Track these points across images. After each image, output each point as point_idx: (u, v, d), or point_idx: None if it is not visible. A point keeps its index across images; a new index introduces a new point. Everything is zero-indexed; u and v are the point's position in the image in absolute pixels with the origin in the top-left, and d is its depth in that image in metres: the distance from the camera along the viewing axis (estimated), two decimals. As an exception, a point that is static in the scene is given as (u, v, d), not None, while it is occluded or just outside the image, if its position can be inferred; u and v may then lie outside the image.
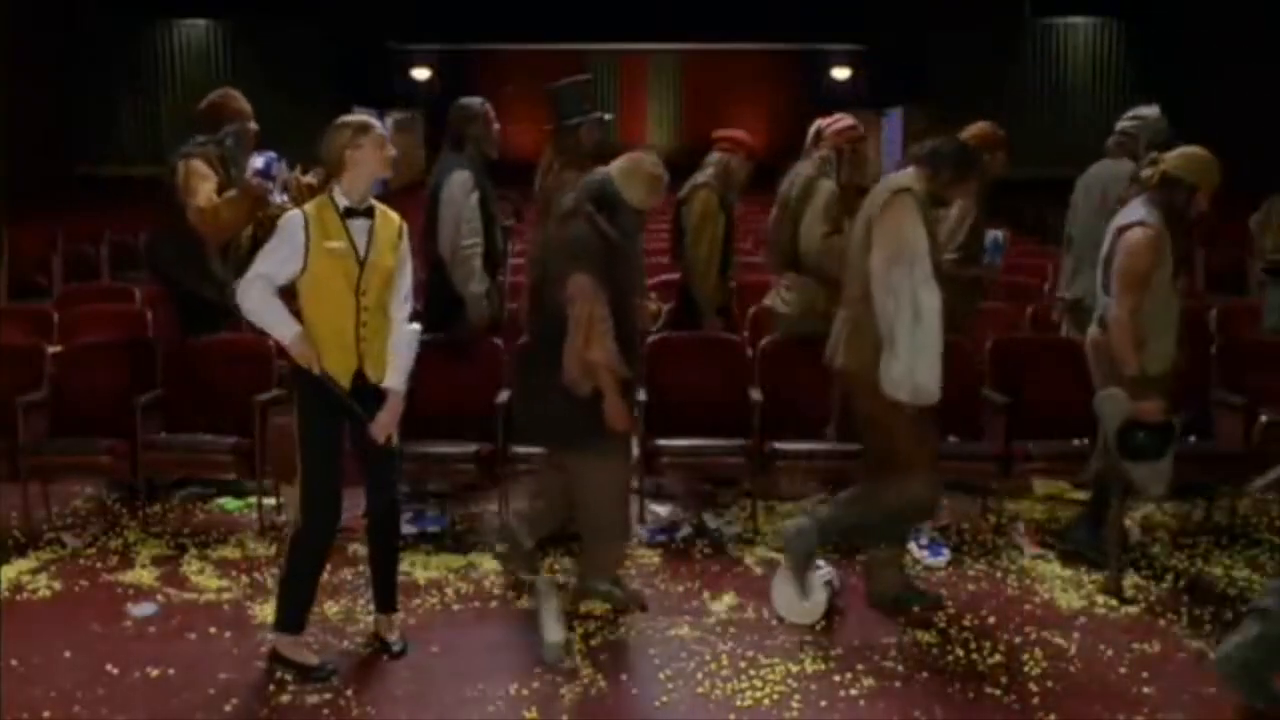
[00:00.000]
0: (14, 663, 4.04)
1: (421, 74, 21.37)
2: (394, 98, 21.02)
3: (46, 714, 3.69)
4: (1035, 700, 3.77)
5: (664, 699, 3.79)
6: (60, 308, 7.37)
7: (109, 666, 4.02)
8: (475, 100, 5.62)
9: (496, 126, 5.60)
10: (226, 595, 4.68)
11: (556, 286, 4.27)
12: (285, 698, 3.79)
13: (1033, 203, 13.73)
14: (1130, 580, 4.79)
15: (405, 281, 4.12)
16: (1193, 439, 5.44)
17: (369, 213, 4.01)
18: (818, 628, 4.32)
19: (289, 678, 3.93)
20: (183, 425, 5.55)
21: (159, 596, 4.68)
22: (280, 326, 3.89)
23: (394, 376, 4.02)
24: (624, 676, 3.94)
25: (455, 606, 4.58)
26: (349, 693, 3.82)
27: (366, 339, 3.97)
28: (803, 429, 5.39)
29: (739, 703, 3.75)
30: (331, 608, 4.51)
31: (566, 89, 5.69)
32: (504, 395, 5.41)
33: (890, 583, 4.52)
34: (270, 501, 5.56)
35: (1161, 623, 4.39)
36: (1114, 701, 3.76)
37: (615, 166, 4.40)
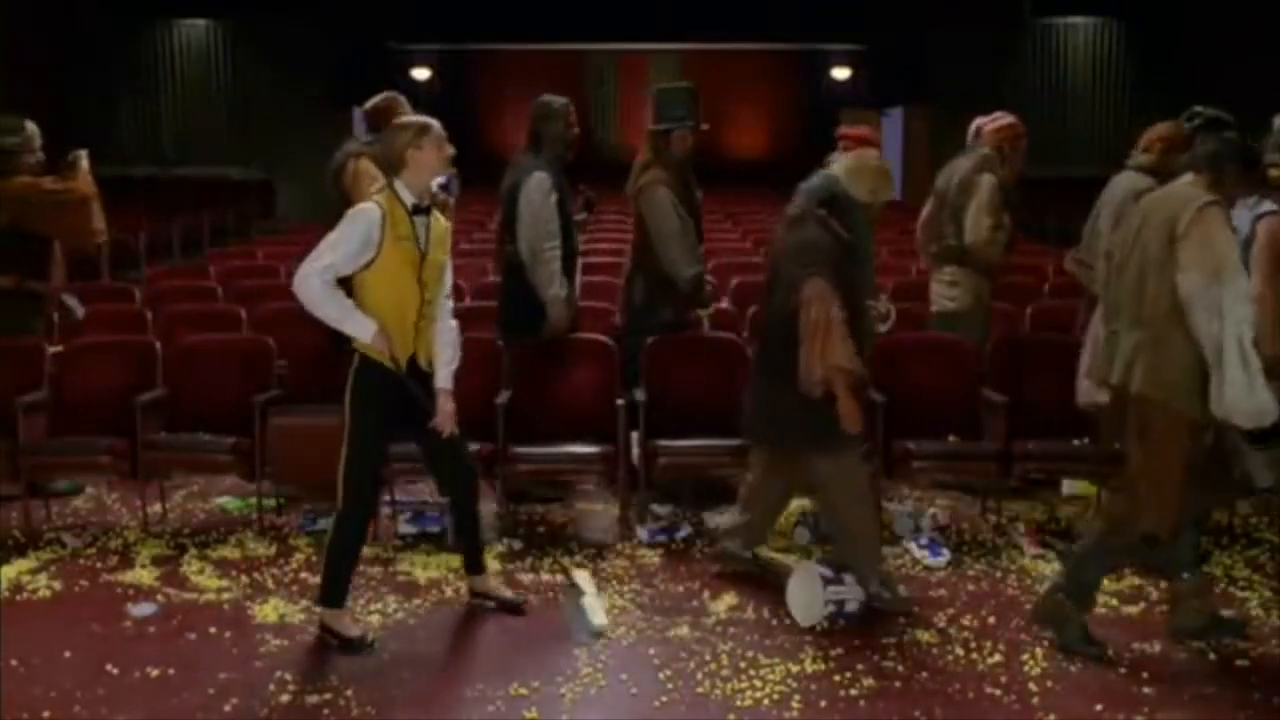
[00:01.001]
0: (14, 663, 4.04)
1: (421, 74, 21.34)
2: (394, 98, 21.01)
3: (46, 714, 3.69)
4: (1035, 700, 3.77)
5: (664, 699, 3.79)
6: (61, 307, 7.36)
7: (109, 666, 4.02)
8: (557, 99, 5.66)
9: (576, 128, 5.63)
10: (226, 595, 4.68)
11: (788, 290, 4.30)
12: (285, 698, 3.79)
13: (1033, 203, 13.71)
14: (1130, 580, 4.80)
15: (450, 276, 4.40)
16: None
17: (427, 210, 4.22)
18: (817, 629, 4.32)
19: (334, 644, 4.16)
20: (183, 425, 5.55)
21: (159, 596, 4.68)
22: (353, 321, 4.08)
23: (445, 375, 4.30)
24: (624, 676, 3.94)
25: (455, 606, 4.58)
26: (349, 693, 3.82)
27: (422, 329, 4.23)
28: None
29: (739, 703, 3.75)
30: (331, 608, 4.51)
31: (669, 93, 5.78)
32: (504, 395, 5.42)
33: (1195, 615, 4.25)
34: (270, 502, 5.57)
35: (1161, 623, 4.38)
36: (1114, 701, 3.76)
37: (840, 165, 4.46)
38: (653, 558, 5.09)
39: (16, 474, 5.41)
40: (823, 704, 3.75)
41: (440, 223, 4.29)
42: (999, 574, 4.91)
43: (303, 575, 4.88)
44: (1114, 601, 4.58)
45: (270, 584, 4.79)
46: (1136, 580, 4.81)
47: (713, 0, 18.96)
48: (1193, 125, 6.14)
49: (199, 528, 5.51)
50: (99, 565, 5.03)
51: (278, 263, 9.39)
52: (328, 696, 3.79)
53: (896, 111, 19.85)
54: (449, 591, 4.70)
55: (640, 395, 5.45)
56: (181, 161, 18.15)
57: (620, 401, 5.40)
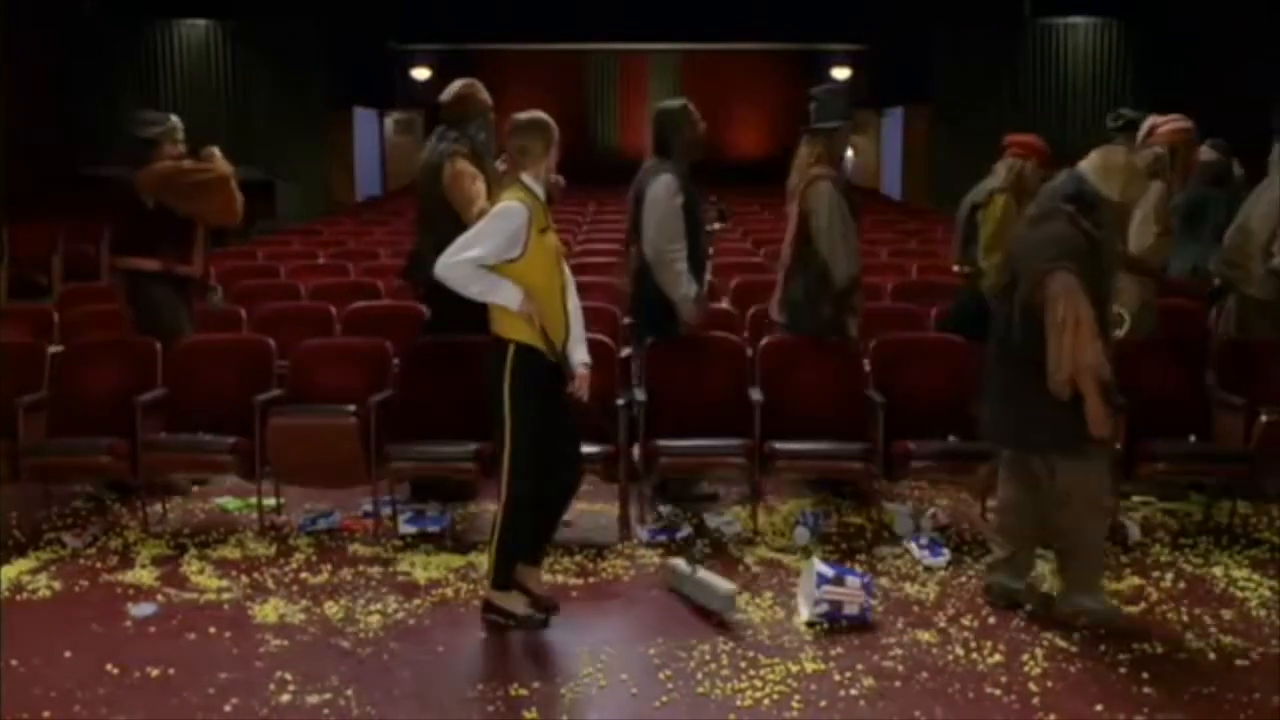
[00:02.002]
0: (14, 663, 4.04)
1: (421, 74, 21.37)
2: (394, 98, 21.03)
3: (46, 714, 3.69)
4: (1035, 700, 3.77)
5: (664, 699, 3.79)
6: (60, 308, 7.37)
7: (109, 666, 4.02)
8: (673, 102, 5.72)
9: (702, 127, 5.65)
10: (226, 595, 4.68)
11: (1031, 286, 4.23)
12: (285, 698, 3.79)
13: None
14: (1130, 580, 4.80)
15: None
16: (1193, 439, 5.45)
17: (550, 202, 4.41)
18: (816, 628, 4.32)
19: (504, 622, 4.32)
20: (183, 425, 5.54)
21: (159, 596, 4.68)
22: (503, 290, 4.19)
23: (581, 354, 4.42)
24: (624, 676, 3.94)
25: (455, 606, 4.58)
26: (349, 693, 3.82)
27: (565, 314, 4.39)
28: (803, 429, 5.39)
29: (739, 703, 3.75)
30: (331, 608, 4.52)
31: (827, 94, 5.79)
32: (638, 393, 5.40)
33: None
34: (270, 502, 5.57)
35: (1161, 623, 4.39)
36: (1114, 701, 3.76)
37: (1089, 163, 4.39)
38: (653, 558, 5.09)
39: (16, 474, 5.39)
40: (823, 704, 3.75)
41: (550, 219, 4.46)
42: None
43: (303, 575, 4.88)
44: (1114, 602, 4.57)
45: (270, 584, 4.79)
46: (1137, 580, 4.81)
47: (713, 0, 18.96)
48: (1116, 126, 6.24)
49: (199, 528, 5.51)
50: (99, 565, 5.03)
51: (278, 263, 9.39)
52: (328, 696, 3.79)
53: (896, 111, 19.86)
54: (449, 591, 4.70)
55: (640, 395, 5.46)
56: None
57: (620, 401, 5.40)
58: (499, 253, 4.18)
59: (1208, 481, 5.65)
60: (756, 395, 5.41)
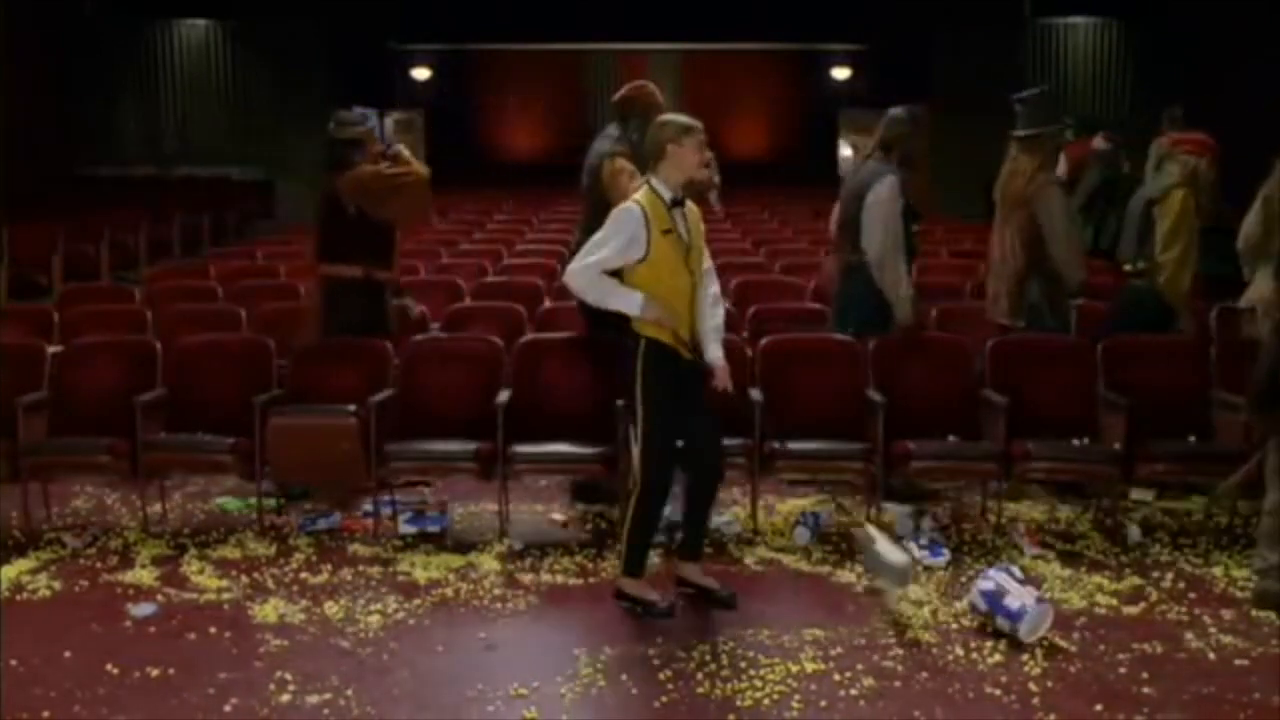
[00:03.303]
0: (14, 663, 4.04)
1: (421, 74, 21.37)
2: (394, 98, 21.02)
3: (46, 714, 3.69)
4: (1035, 700, 3.77)
5: (664, 699, 3.79)
6: (60, 308, 7.37)
7: (109, 666, 4.02)
8: (902, 110, 5.83)
9: (925, 128, 5.85)
10: (226, 595, 4.68)
11: None
12: (285, 698, 3.79)
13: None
14: (1130, 580, 4.80)
15: (709, 261, 4.60)
16: (1193, 439, 5.45)
17: (682, 202, 4.43)
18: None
19: (634, 610, 4.43)
20: (183, 425, 5.54)
21: (159, 596, 4.68)
22: (625, 297, 4.33)
23: (716, 351, 4.50)
24: (624, 676, 3.94)
25: (455, 606, 4.58)
26: (349, 693, 3.82)
27: (693, 314, 4.45)
28: (803, 429, 5.39)
29: (739, 703, 3.75)
30: (331, 608, 4.52)
31: (1034, 99, 5.89)
32: (504, 395, 5.42)
33: None
34: (270, 502, 5.56)
35: (1161, 623, 4.39)
36: (1114, 701, 3.76)
37: None
38: (653, 558, 5.08)
39: (16, 474, 5.40)
40: (823, 704, 3.75)
41: (695, 213, 4.52)
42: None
43: (303, 575, 4.88)
44: (1114, 601, 4.58)
45: (270, 584, 4.79)
46: (1138, 580, 4.81)
47: (713, 0, 18.95)
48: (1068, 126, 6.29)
49: (199, 528, 5.50)
50: (99, 565, 5.03)
51: (278, 263, 9.39)
52: (328, 696, 3.79)
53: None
54: (449, 591, 4.70)
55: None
56: (181, 161, 18.15)
57: (620, 402, 5.39)
58: (620, 255, 4.31)
59: (1208, 482, 5.66)
60: (757, 395, 5.41)
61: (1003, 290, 5.95)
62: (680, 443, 4.46)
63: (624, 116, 5.58)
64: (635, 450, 4.43)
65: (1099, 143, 8.26)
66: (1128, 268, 6.24)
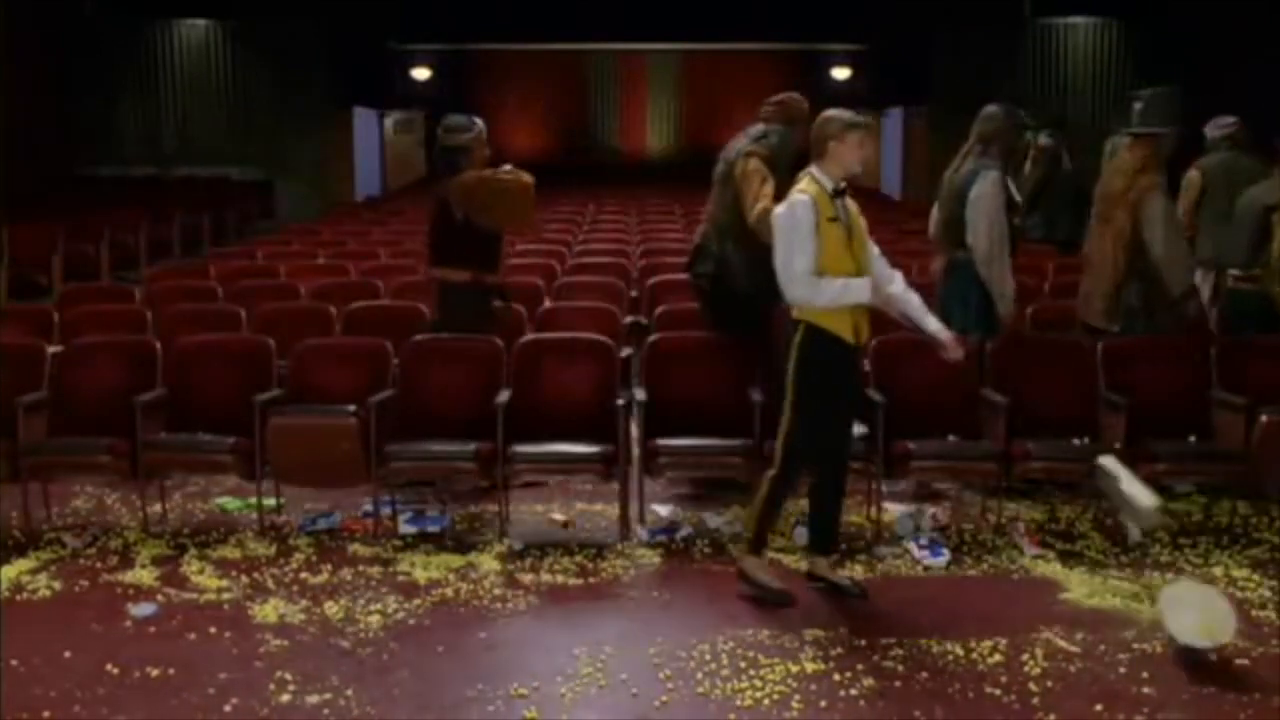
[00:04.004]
0: (14, 663, 4.04)
1: (421, 74, 21.36)
2: (394, 98, 21.02)
3: (46, 714, 3.69)
4: (1035, 700, 3.77)
5: (664, 699, 3.79)
6: (60, 308, 7.37)
7: (109, 666, 4.02)
8: (998, 107, 5.88)
9: (1025, 127, 5.91)
10: (226, 595, 4.68)
11: None
12: (285, 697, 3.79)
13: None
14: (1130, 580, 4.79)
15: (876, 248, 4.70)
16: (1193, 439, 5.45)
17: (843, 193, 4.55)
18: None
19: (755, 593, 4.56)
20: (183, 425, 5.54)
21: (159, 596, 4.68)
22: (849, 290, 4.43)
23: (934, 322, 4.68)
24: (624, 676, 3.94)
25: (455, 606, 4.58)
26: (349, 693, 3.82)
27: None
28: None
29: (739, 703, 3.75)
30: (331, 608, 4.52)
31: (1155, 97, 5.92)
32: (504, 395, 5.42)
33: None
34: (270, 502, 5.56)
35: (1162, 623, 4.38)
36: (1114, 701, 3.76)
37: None
38: (653, 558, 5.09)
39: (16, 474, 5.40)
40: (823, 704, 3.75)
41: (853, 204, 4.60)
42: (999, 574, 4.91)
43: (303, 575, 4.88)
44: (1115, 601, 4.58)
45: (270, 584, 4.79)
46: (1138, 580, 4.80)
47: (713, 0, 18.95)
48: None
49: (199, 528, 5.51)
50: (99, 565, 5.03)
51: (278, 263, 9.38)
52: (328, 696, 3.79)
53: (896, 111, 19.85)
54: (449, 591, 4.70)
55: (640, 395, 5.46)
56: (181, 161, 18.15)
57: (620, 401, 5.40)
58: (809, 246, 4.40)
59: (1208, 482, 5.66)
60: (756, 395, 5.41)
61: (1097, 292, 5.91)
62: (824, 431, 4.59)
63: (768, 119, 5.67)
64: (780, 434, 4.51)
65: (1043, 139, 8.75)
66: (1236, 273, 6.23)
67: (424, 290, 6.59)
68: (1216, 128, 7.35)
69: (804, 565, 4.98)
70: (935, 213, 6.10)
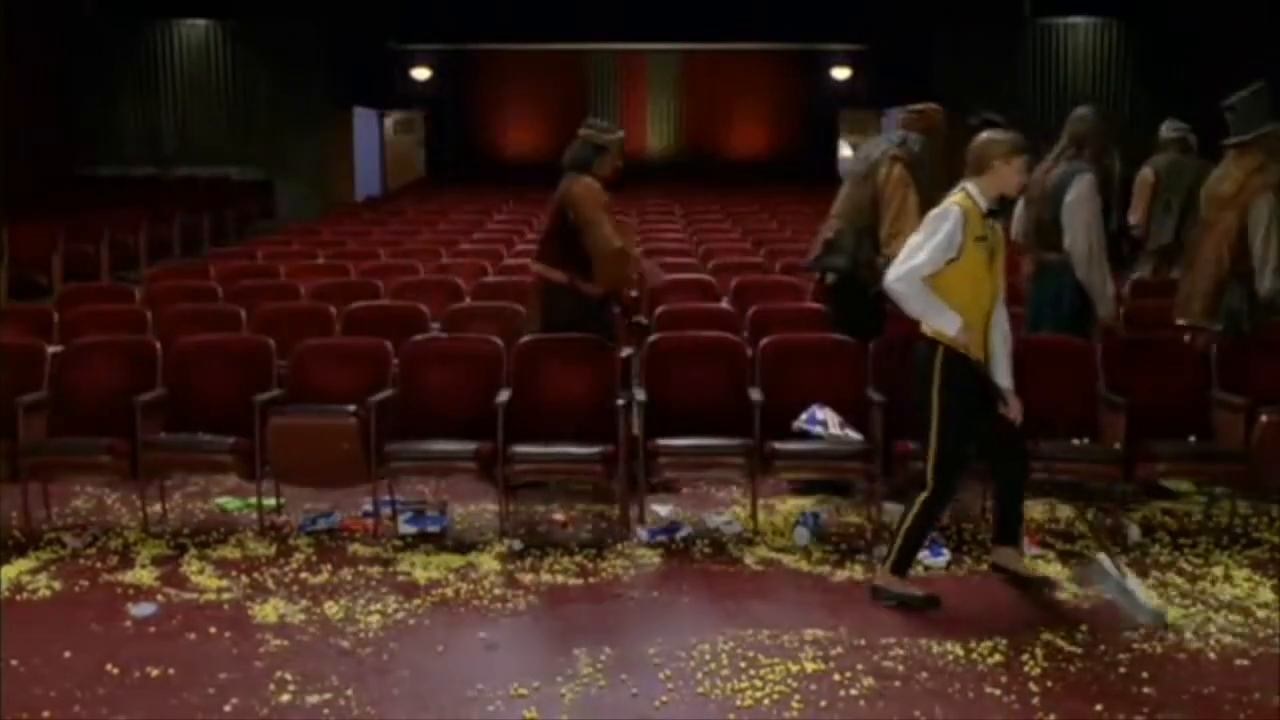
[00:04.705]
0: (14, 663, 4.04)
1: (421, 74, 21.37)
2: (394, 98, 21.03)
3: (46, 714, 3.69)
4: (1035, 700, 3.77)
5: (664, 699, 3.79)
6: (60, 308, 7.37)
7: (109, 666, 4.02)
8: (1087, 108, 5.91)
9: (1115, 129, 5.98)
10: (226, 595, 4.68)
11: None
12: (285, 697, 3.79)
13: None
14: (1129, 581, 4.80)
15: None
16: (1193, 439, 5.45)
17: (995, 215, 4.54)
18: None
19: (891, 603, 4.51)
20: (183, 425, 5.54)
21: (159, 596, 4.68)
22: (944, 316, 4.41)
23: (1008, 379, 4.59)
24: (624, 676, 3.94)
25: (455, 606, 4.58)
26: (349, 693, 3.82)
27: (989, 324, 4.55)
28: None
29: (739, 703, 3.75)
30: (331, 608, 4.52)
31: (1245, 101, 5.81)
32: (504, 395, 5.42)
33: None
34: (270, 502, 5.56)
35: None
36: (1114, 701, 3.76)
37: None
38: (653, 558, 5.10)
39: (16, 474, 5.40)
40: (823, 704, 3.75)
41: (998, 229, 4.58)
42: (999, 574, 4.90)
43: (303, 575, 4.88)
44: (1115, 601, 4.58)
45: (270, 584, 4.79)
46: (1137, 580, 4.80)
47: (713, 0, 18.95)
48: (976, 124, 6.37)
49: (199, 528, 5.51)
50: (99, 565, 5.03)
51: (278, 263, 9.39)
52: (328, 696, 3.79)
53: (896, 111, 19.84)
54: (449, 591, 4.70)
55: (640, 395, 5.46)
56: (181, 161, 18.15)
57: (620, 401, 5.40)
58: (940, 255, 4.38)
59: (1208, 482, 5.66)
60: (756, 395, 5.41)
61: (1198, 292, 5.87)
62: (971, 447, 4.59)
63: (907, 126, 5.73)
64: (929, 455, 4.49)
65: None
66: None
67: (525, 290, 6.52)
68: (1170, 129, 7.51)
69: (804, 565, 4.99)
70: (1020, 215, 6.11)
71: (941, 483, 4.51)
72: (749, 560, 5.07)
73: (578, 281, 5.71)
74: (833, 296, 5.91)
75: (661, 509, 5.64)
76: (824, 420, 5.35)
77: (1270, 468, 5.26)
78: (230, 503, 5.85)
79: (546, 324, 5.79)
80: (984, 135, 4.55)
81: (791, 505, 5.71)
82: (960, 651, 4.13)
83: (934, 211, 4.52)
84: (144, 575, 4.90)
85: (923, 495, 4.52)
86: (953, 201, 4.48)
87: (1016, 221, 6.18)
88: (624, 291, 6.16)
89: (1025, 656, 4.08)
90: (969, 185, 4.51)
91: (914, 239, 4.50)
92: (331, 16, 17.82)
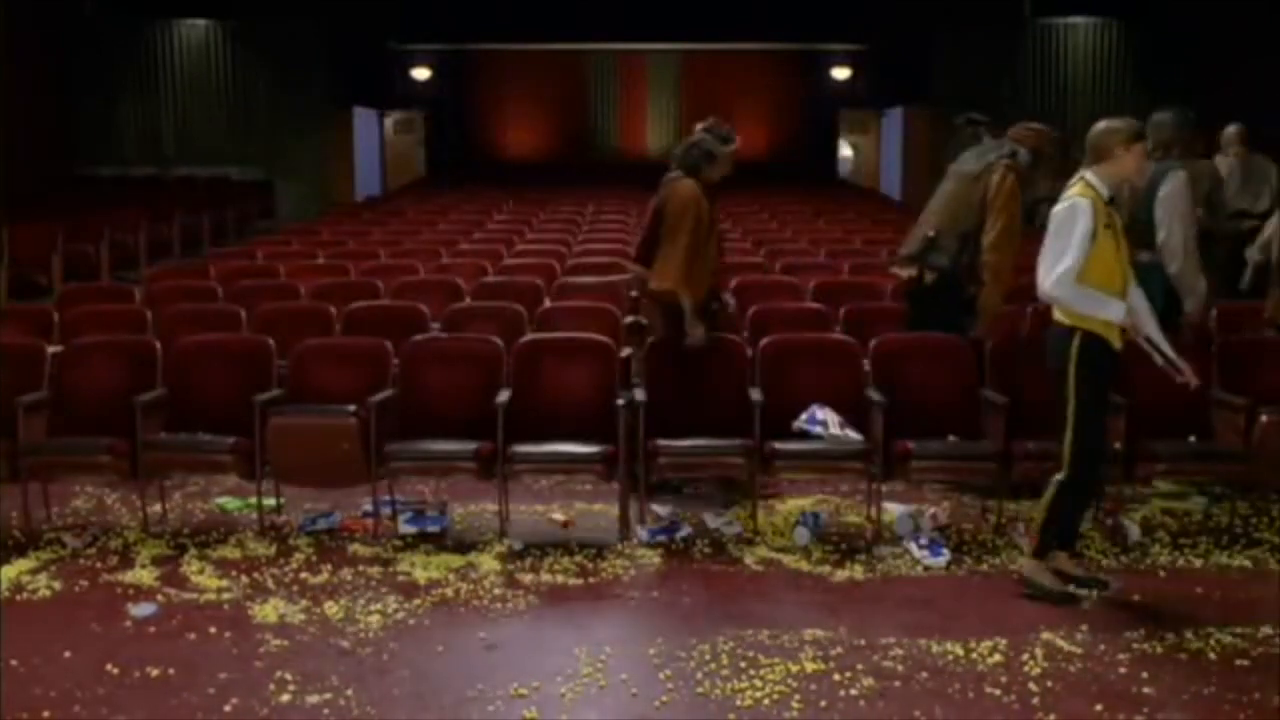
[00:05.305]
0: (14, 663, 4.04)
1: (421, 74, 21.38)
2: (394, 98, 21.03)
3: (46, 714, 3.69)
4: (1035, 700, 3.77)
5: (664, 699, 3.79)
6: (60, 308, 7.37)
7: (109, 666, 4.02)
8: (1167, 112, 5.91)
9: (1200, 130, 5.98)
10: (226, 595, 4.68)
11: None
12: (285, 697, 3.79)
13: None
14: (1130, 580, 4.80)
15: None
16: (1193, 439, 5.45)
17: (1114, 201, 4.60)
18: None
19: (1038, 596, 4.55)
20: (183, 425, 5.54)
21: (159, 596, 4.68)
22: (1108, 306, 4.46)
23: (1167, 345, 4.71)
24: (624, 676, 3.94)
25: (455, 606, 4.58)
26: (349, 693, 3.82)
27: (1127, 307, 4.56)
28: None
29: (739, 703, 3.75)
30: (331, 608, 4.52)
31: None
32: (504, 395, 5.42)
33: None
34: (270, 502, 5.56)
35: (1161, 623, 4.39)
36: (1114, 701, 3.76)
37: None
38: (653, 558, 5.10)
39: (16, 474, 5.40)
40: (823, 704, 3.75)
41: (1117, 216, 4.61)
42: (999, 574, 4.91)
43: (303, 575, 4.88)
44: (1114, 601, 4.57)
45: (270, 584, 4.79)
46: (1138, 580, 4.80)
47: (713, 0, 18.96)
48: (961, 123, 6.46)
49: (199, 528, 5.50)
50: (99, 565, 5.03)
51: (278, 263, 9.38)
52: (328, 696, 3.79)
53: (896, 111, 19.86)
54: (449, 591, 4.70)
55: (640, 395, 5.46)
56: (181, 161, 18.15)
57: (620, 401, 5.40)
58: (1083, 250, 4.40)
59: (1208, 482, 5.66)
60: (756, 395, 5.41)
61: None
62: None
63: (1019, 140, 5.79)
64: (1066, 442, 4.51)
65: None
66: None
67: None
68: (1234, 127, 7.66)
69: (804, 565, 4.99)
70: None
71: (1081, 468, 4.51)
72: (749, 560, 5.07)
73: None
74: (926, 295, 5.89)
75: (661, 509, 5.64)
76: (824, 420, 5.35)
77: (1270, 468, 5.26)
78: (230, 503, 5.85)
79: (669, 328, 5.72)
80: (1102, 124, 4.56)
81: (791, 505, 5.71)
82: (960, 651, 4.13)
83: (1058, 210, 4.50)
84: (144, 575, 4.90)
85: (1058, 478, 4.53)
86: (1074, 194, 4.49)
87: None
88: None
89: (1025, 656, 4.08)
90: (1088, 174, 4.52)
91: (1050, 243, 4.49)
92: (331, 16, 17.82)
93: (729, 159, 5.74)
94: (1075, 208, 4.44)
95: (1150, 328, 4.69)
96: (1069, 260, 4.41)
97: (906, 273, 6.00)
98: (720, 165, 5.71)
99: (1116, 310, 4.46)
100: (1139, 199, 5.77)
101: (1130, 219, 5.82)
